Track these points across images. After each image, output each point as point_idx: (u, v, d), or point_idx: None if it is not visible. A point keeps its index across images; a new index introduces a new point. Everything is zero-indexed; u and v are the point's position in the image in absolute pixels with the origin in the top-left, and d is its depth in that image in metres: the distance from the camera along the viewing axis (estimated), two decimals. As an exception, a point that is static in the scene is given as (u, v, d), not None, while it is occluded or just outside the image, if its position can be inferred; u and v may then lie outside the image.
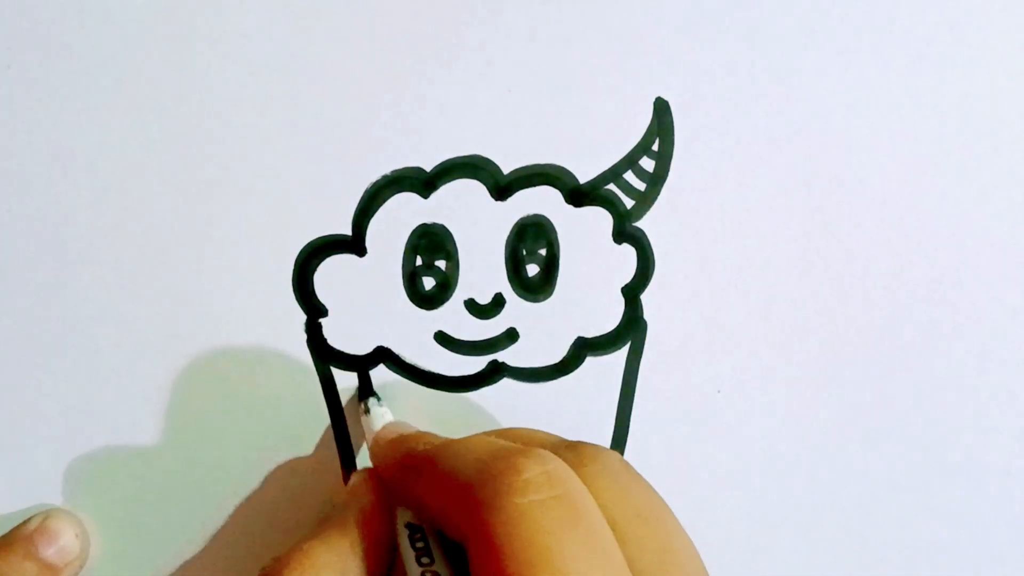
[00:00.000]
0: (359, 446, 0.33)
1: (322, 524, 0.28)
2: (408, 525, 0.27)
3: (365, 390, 0.33)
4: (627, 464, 0.26)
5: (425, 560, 0.26)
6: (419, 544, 0.27)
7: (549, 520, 0.22)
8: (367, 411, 0.32)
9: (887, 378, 0.34)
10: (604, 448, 0.26)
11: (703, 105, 0.33)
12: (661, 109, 0.33)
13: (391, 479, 0.29)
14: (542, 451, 0.24)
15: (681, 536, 0.25)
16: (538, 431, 0.29)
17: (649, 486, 0.26)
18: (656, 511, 0.25)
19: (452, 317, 0.33)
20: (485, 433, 0.28)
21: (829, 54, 0.33)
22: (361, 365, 0.33)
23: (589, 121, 0.33)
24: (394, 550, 0.27)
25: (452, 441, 0.27)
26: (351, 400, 0.33)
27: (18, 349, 0.33)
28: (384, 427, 0.31)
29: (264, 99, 0.32)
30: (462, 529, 0.24)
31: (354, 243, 0.33)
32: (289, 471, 0.33)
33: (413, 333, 0.33)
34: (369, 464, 0.31)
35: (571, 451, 0.26)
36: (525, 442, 0.26)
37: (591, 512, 0.23)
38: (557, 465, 0.24)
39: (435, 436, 0.29)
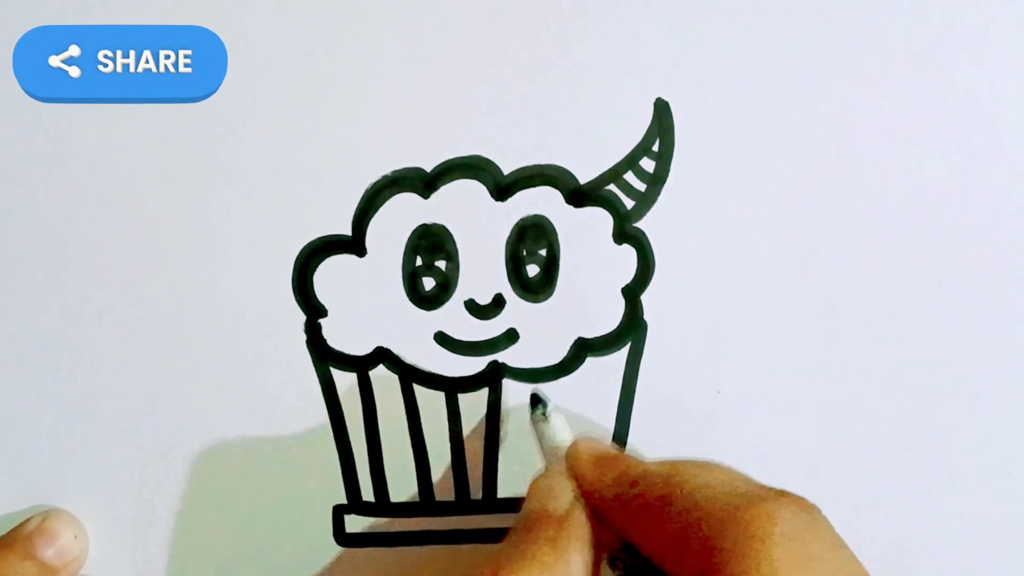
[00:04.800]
0: (359, 446, 0.33)
1: (525, 540, 0.26)
2: (612, 553, 0.26)
3: (537, 397, 0.32)
4: (828, 522, 0.25)
5: None
6: (620, 569, 0.26)
7: (796, 573, 0.22)
8: (545, 418, 0.31)
9: (887, 378, 0.34)
10: (814, 505, 0.25)
11: (703, 106, 0.33)
12: (661, 110, 0.33)
13: (602, 501, 0.27)
14: (792, 499, 0.24)
15: None
16: (737, 473, 0.27)
17: (842, 543, 0.25)
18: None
19: (452, 317, 0.33)
20: (693, 464, 0.27)
21: (829, 54, 0.33)
22: (361, 365, 0.33)
23: (589, 121, 0.33)
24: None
25: (681, 472, 0.26)
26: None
27: (18, 349, 0.33)
28: (582, 441, 0.29)
29: (264, 99, 0.32)
30: (698, 569, 0.23)
31: (354, 243, 0.33)
32: (289, 471, 0.33)
33: (413, 333, 0.33)
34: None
35: (788, 501, 0.24)
36: (730, 485, 0.25)
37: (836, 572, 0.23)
38: (810, 518, 0.23)
39: (644, 460, 0.28)
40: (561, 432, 0.30)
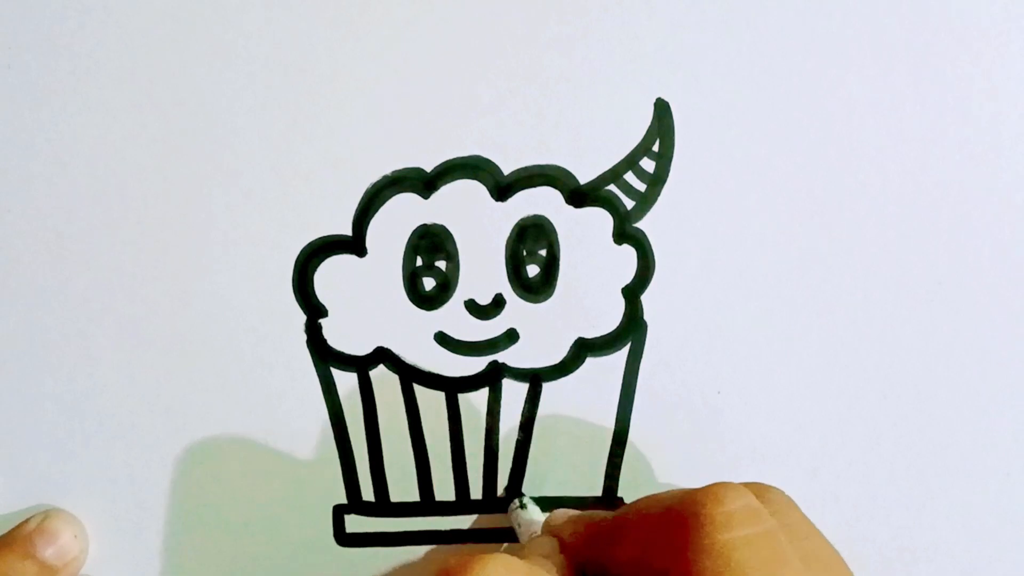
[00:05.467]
0: (359, 446, 0.33)
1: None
2: None
3: (515, 489, 0.34)
4: (794, 503, 0.26)
5: None
6: None
7: (758, 559, 0.22)
8: (523, 507, 0.33)
9: (887, 378, 0.34)
10: (773, 486, 0.26)
11: (703, 106, 0.33)
12: (661, 110, 0.33)
13: (580, 547, 0.28)
14: (737, 485, 0.24)
15: None
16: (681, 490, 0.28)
17: (814, 526, 0.26)
18: (832, 555, 0.25)
19: (452, 317, 0.33)
20: (644, 497, 0.28)
21: (829, 54, 0.33)
22: (361, 365, 0.33)
23: (589, 122, 0.33)
24: None
25: (632, 504, 0.27)
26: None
27: (18, 349, 0.33)
28: (553, 512, 0.32)
29: (264, 99, 0.32)
30: (664, 570, 0.23)
31: (354, 243, 0.33)
32: (289, 471, 0.33)
33: (413, 333, 0.33)
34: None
35: (716, 487, 0.25)
36: (667, 496, 0.26)
37: (790, 552, 0.23)
38: (754, 500, 0.24)
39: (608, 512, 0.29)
40: (537, 514, 0.33)
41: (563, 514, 0.31)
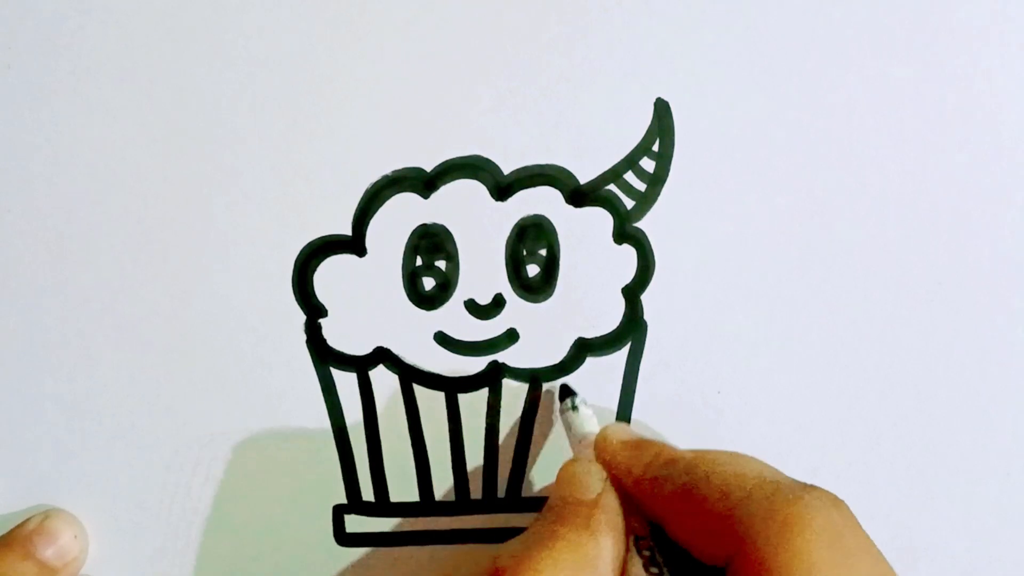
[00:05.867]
0: (359, 446, 0.33)
1: (556, 522, 0.27)
2: (637, 536, 0.27)
3: (566, 388, 0.33)
4: (854, 517, 0.26)
5: (654, 571, 0.26)
6: (645, 552, 0.27)
7: (833, 569, 0.23)
8: (574, 408, 0.31)
9: (887, 378, 0.34)
10: (837, 497, 0.26)
11: (703, 106, 0.33)
12: (661, 110, 0.33)
13: (632, 485, 0.28)
14: (826, 493, 0.24)
15: None
16: (767, 464, 0.27)
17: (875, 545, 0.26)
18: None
19: (452, 317, 0.33)
20: (724, 453, 0.27)
21: (829, 54, 0.33)
22: (361, 365, 0.33)
23: (589, 122, 0.33)
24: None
25: (713, 459, 0.27)
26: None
27: (18, 349, 0.33)
28: (611, 427, 0.30)
29: (264, 99, 0.32)
30: (727, 555, 0.24)
31: (354, 243, 0.33)
32: (289, 471, 0.33)
33: (413, 333, 0.33)
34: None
35: (823, 495, 0.25)
36: (762, 476, 0.25)
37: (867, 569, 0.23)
38: (843, 514, 0.24)
39: (673, 447, 0.28)
40: (589, 422, 0.31)
41: (619, 433, 0.30)
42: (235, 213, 0.33)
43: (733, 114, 0.33)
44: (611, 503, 0.28)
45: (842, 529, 0.24)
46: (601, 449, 0.29)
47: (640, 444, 0.29)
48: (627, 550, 0.27)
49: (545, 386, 0.33)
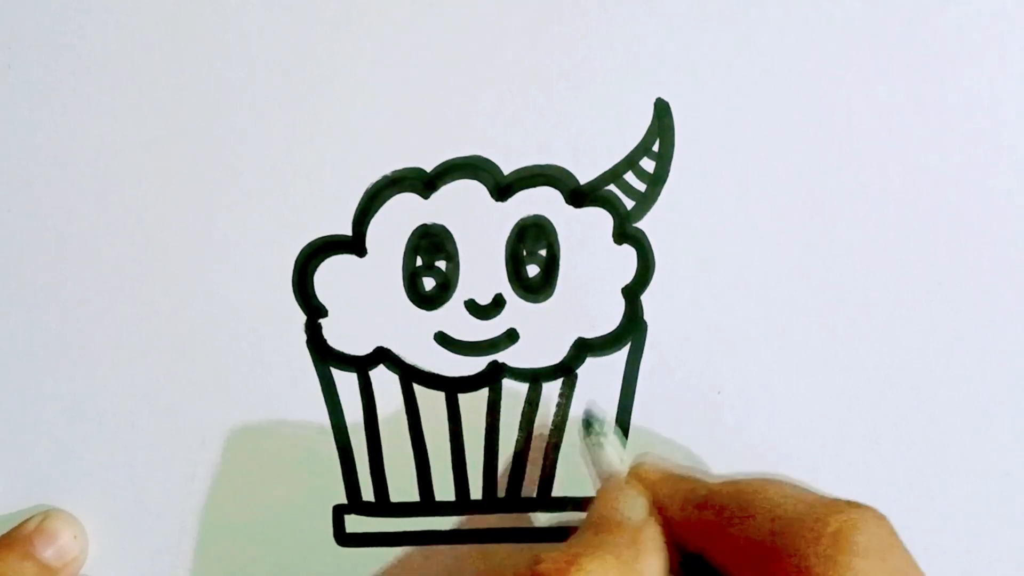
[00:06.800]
0: (359, 446, 0.33)
1: (603, 536, 0.27)
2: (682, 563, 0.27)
3: (591, 417, 0.33)
4: (896, 533, 0.26)
5: None
6: None
7: None
8: (600, 444, 0.31)
9: (887, 378, 0.34)
10: (880, 513, 0.26)
11: (703, 106, 0.33)
12: (661, 110, 0.33)
13: (672, 516, 0.28)
14: (870, 510, 0.25)
15: None
16: (801, 487, 0.27)
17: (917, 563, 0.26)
18: None
19: (452, 318, 0.33)
20: (757, 480, 0.27)
21: (829, 54, 0.33)
22: (361, 365, 0.33)
23: (589, 122, 0.33)
24: None
25: (749, 487, 0.27)
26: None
27: (18, 349, 0.33)
28: (647, 462, 0.30)
29: (264, 99, 0.32)
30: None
31: (354, 243, 0.33)
32: (289, 471, 0.33)
33: (413, 333, 0.33)
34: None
35: (867, 512, 0.25)
36: (801, 497, 0.26)
37: None
38: (887, 531, 0.24)
39: (708, 478, 0.29)
40: (615, 455, 0.31)
41: (656, 468, 0.30)
42: (235, 213, 0.33)
43: (733, 114, 0.33)
44: (656, 530, 0.28)
45: (888, 545, 0.24)
46: (644, 479, 0.30)
47: (676, 478, 0.29)
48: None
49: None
